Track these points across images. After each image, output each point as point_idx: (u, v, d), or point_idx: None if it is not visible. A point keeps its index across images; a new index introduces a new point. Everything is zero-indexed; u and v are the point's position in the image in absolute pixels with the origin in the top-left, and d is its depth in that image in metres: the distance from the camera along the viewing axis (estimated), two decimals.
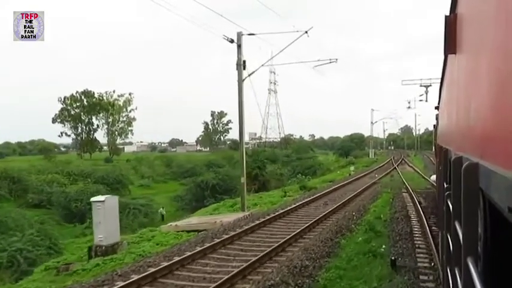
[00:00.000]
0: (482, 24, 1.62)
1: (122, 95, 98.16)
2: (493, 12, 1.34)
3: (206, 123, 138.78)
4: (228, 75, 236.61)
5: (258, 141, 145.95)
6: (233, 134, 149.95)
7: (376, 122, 62.55)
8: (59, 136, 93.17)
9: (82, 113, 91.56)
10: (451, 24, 2.75)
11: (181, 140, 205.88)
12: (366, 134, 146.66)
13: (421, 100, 41.54)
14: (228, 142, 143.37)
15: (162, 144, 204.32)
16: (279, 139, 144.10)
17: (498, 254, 1.69)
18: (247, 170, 39.32)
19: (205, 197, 37.29)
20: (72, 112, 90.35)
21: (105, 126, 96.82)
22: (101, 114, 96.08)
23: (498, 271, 1.70)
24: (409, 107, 42.65)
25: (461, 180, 1.72)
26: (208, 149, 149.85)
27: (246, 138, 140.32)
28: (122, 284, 8.39)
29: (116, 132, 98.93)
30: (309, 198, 21.74)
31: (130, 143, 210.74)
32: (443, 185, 4.27)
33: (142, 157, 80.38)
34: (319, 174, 48.97)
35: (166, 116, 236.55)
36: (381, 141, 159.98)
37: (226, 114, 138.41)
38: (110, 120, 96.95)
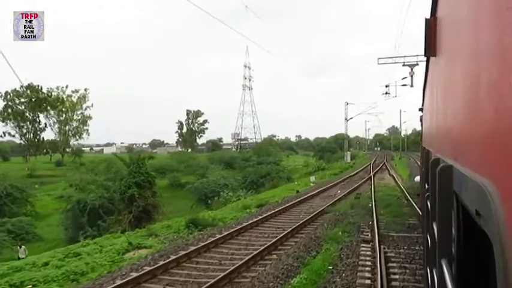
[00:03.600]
0: (457, 28, 1.62)
1: (76, 91, 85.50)
2: (466, 17, 1.34)
3: (180, 123, 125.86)
4: (210, 77, 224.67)
5: (243, 142, 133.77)
6: (209, 134, 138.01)
7: (351, 118, 50.06)
8: (1, 136, 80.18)
9: (27, 110, 78.55)
10: (431, 27, 2.75)
11: (163, 141, 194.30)
12: (351, 134, 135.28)
13: (404, 85, 29.24)
14: (210, 144, 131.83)
15: (144, 145, 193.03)
16: (260, 139, 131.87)
17: (470, 256, 1.65)
18: (121, 189, 25.98)
19: (83, 225, 24.67)
20: (15, 109, 77.28)
21: (56, 126, 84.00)
22: (52, 112, 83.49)
23: (470, 273, 1.66)
24: (386, 93, 30.53)
25: (436, 182, 1.70)
26: (190, 150, 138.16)
27: (228, 139, 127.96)
28: None
29: (70, 133, 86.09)
30: (149, 268, 9.40)
31: (110, 144, 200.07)
32: (425, 186, 4.20)
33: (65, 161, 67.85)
34: (268, 186, 36.57)
35: (152, 117, 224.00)
36: (367, 141, 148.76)
37: (202, 113, 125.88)
38: (62, 118, 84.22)
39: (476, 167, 1.07)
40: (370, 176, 32.22)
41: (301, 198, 20.97)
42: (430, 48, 2.80)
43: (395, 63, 28.68)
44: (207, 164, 55.50)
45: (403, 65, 28.27)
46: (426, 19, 2.89)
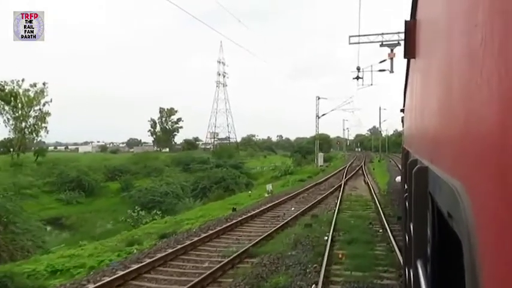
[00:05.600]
0: (433, 31, 1.63)
1: (34, 85, 77.27)
2: (440, 19, 1.36)
3: (153, 121, 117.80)
4: (191, 77, 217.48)
5: (224, 141, 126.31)
6: (185, 133, 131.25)
7: (324, 114, 42.95)
8: None
9: None
10: (411, 30, 2.75)
11: (140, 140, 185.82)
12: (332, 134, 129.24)
13: (382, 70, 22.71)
14: (185, 143, 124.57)
15: (121, 144, 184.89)
16: (235, 139, 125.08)
17: (445, 257, 1.64)
18: None
19: None
20: None
21: (11, 122, 75.69)
22: (7, 108, 75.25)
23: (444, 274, 1.64)
24: (358, 78, 23.74)
25: (412, 183, 1.71)
26: (168, 149, 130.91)
27: (204, 138, 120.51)
28: None
29: (26, 130, 77.82)
30: None
31: (88, 143, 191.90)
32: (404, 187, 4.21)
33: (23, 161, 60.28)
34: (213, 197, 29.62)
35: (132, 116, 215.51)
36: (349, 142, 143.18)
37: (176, 111, 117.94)
38: (18, 114, 75.93)
39: (448, 169, 1.08)
40: (341, 184, 25.69)
41: (232, 222, 14.15)
42: (410, 50, 2.79)
43: (371, 42, 22.17)
44: (161, 166, 48.36)
45: (381, 45, 21.79)
46: (406, 21, 2.87)
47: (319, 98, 41.02)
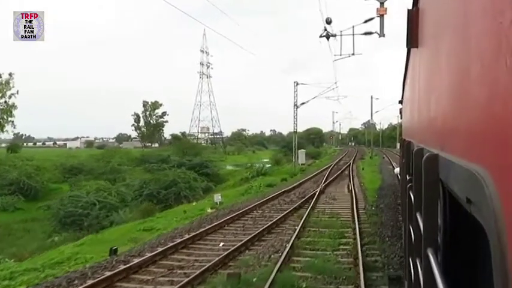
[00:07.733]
0: (441, 19, 1.61)
1: None
2: (451, 7, 1.34)
3: (137, 115, 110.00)
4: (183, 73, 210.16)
5: (213, 136, 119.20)
6: (171, 127, 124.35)
7: (303, 103, 35.28)
8: None
9: None
10: (413, 18, 2.68)
11: (130, 135, 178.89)
12: (325, 129, 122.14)
13: (369, 33, 15.73)
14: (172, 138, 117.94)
15: (110, 140, 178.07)
16: (220, 132, 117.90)
17: (457, 244, 1.63)
18: None
19: None
20: None
21: None
22: None
23: (457, 261, 1.64)
24: (327, 36, 16.39)
25: (422, 172, 1.66)
26: (157, 144, 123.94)
27: (188, 131, 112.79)
28: None
29: None
30: None
31: (77, 138, 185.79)
32: (406, 177, 4.14)
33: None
34: (138, 212, 22.65)
35: (123, 111, 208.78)
36: (341, 136, 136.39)
37: (161, 105, 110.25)
38: None
39: (466, 154, 1.06)
40: (316, 192, 18.87)
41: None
42: (412, 39, 2.73)
43: None
44: (115, 166, 41.37)
45: None
46: (408, 10, 2.79)
47: (297, 84, 33.82)
